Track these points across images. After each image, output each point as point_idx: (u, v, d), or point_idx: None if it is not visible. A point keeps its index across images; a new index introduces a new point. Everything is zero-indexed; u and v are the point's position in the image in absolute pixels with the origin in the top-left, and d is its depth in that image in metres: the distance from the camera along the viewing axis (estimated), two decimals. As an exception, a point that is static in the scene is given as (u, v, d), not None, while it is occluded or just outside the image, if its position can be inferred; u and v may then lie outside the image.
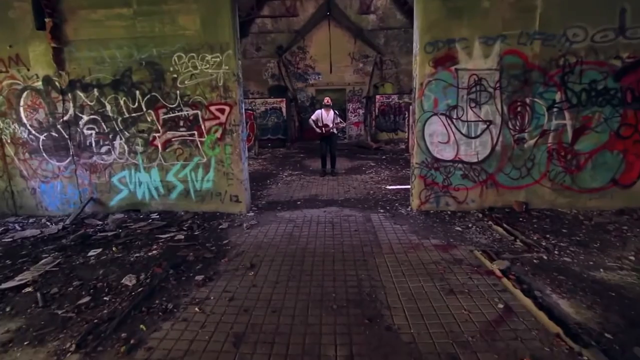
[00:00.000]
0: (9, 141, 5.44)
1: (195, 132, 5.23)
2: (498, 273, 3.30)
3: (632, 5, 4.56)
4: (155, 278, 3.34)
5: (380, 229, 4.64)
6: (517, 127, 5.01)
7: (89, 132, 5.34)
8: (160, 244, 4.23)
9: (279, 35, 15.66)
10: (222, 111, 5.13)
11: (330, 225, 4.81)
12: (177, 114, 5.20)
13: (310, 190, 6.88)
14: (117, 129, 5.30)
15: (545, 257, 3.65)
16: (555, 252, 3.79)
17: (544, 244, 4.00)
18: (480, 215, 4.99)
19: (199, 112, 5.17)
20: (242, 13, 13.46)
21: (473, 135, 5.04)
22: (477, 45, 4.81)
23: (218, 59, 5.01)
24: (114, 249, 4.09)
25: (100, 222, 5.11)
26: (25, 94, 5.30)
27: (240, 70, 5.24)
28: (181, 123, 5.23)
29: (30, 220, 5.42)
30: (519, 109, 4.96)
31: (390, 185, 7.11)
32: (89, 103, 5.26)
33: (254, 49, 15.87)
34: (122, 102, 5.22)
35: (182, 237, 4.43)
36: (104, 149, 5.37)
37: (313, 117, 8.13)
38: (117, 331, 2.59)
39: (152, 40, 5.05)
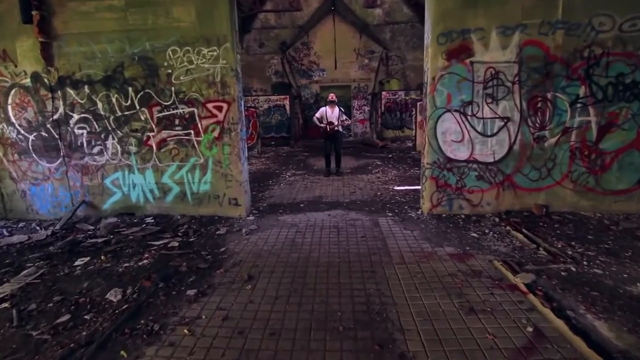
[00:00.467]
0: (-3, 141, 5.18)
1: (192, 131, 4.92)
2: (523, 288, 2.96)
3: (665, -9, 4.17)
4: (142, 293, 3.03)
5: (390, 235, 4.30)
6: (537, 125, 4.63)
7: (80, 131, 5.05)
8: (153, 252, 3.93)
9: (282, 31, 15.32)
10: (219, 109, 4.82)
11: (335, 231, 4.48)
12: (172, 112, 4.89)
13: (314, 192, 6.56)
14: (110, 128, 5.00)
15: (573, 269, 3.30)
16: (584, 262, 3.43)
17: (570, 252, 3.65)
18: (497, 219, 4.64)
19: (195, 110, 4.86)
20: (244, 8, 13.14)
21: (489, 134, 4.68)
22: (494, 35, 4.44)
23: (215, 53, 4.69)
24: (102, 257, 3.80)
25: (92, 227, 4.83)
26: (13, 91, 5.02)
27: (239, 65, 4.92)
28: (176, 121, 4.92)
29: (20, 225, 5.16)
30: (539, 104, 4.59)
31: (398, 185, 6.76)
32: (80, 101, 4.96)
33: (257, 45, 15.56)
34: (114, 100, 4.93)
35: (177, 244, 4.13)
36: (96, 149, 5.08)
37: (317, 114, 7.80)
38: (95, 358, 2.29)
39: (145, 33, 4.74)
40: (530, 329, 2.46)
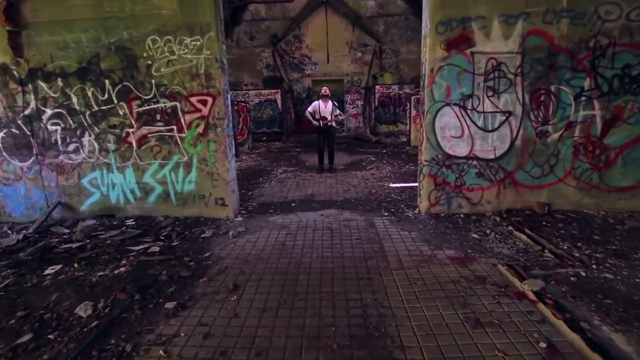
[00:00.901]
0: (-36, 139, 4.80)
1: (174, 127, 4.59)
2: (532, 296, 2.74)
3: (676, -23, 3.95)
4: (116, 306, 2.75)
5: (386, 236, 4.06)
6: (540, 119, 4.41)
7: (54, 127, 4.69)
8: (131, 258, 3.63)
9: (273, 23, 14.88)
10: (204, 103, 4.50)
11: (329, 232, 4.22)
12: (152, 106, 4.56)
13: (307, 190, 6.28)
14: (85, 124, 4.65)
15: (583, 273, 3.08)
16: (593, 265, 3.23)
17: (577, 254, 3.44)
18: (498, 218, 4.42)
19: (177, 104, 4.53)
20: (233, -1, 12.69)
21: (490, 129, 4.44)
22: (496, 24, 4.18)
23: (198, 43, 4.36)
24: (75, 265, 3.49)
25: (68, 231, 4.50)
26: (-20, 85, 4.64)
27: (225, 56, 4.59)
28: (158, 117, 4.59)
29: (-9, 228, 4.81)
30: (542, 98, 4.36)
31: (393, 183, 6.52)
32: (53, 95, 4.60)
33: (247, 37, 15.11)
34: (89, 94, 4.57)
35: (158, 249, 3.83)
36: (71, 147, 4.73)
37: (310, 108, 7.49)
38: (55, 387, 2.01)
39: (122, 21, 4.39)
40: (543, 345, 2.23)
